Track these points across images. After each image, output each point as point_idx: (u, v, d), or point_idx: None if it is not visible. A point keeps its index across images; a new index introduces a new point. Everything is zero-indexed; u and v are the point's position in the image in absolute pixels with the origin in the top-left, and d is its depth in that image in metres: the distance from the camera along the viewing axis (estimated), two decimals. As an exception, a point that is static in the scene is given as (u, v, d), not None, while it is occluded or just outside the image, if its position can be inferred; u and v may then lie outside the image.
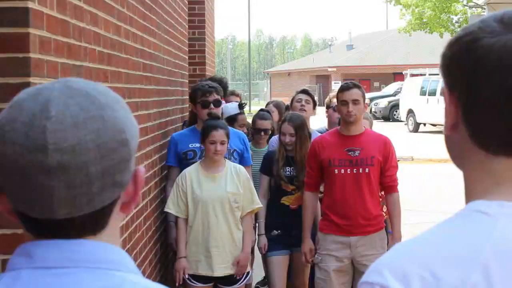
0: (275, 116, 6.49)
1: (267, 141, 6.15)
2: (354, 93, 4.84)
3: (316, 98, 6.54)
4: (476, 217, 1.09)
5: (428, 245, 1.08)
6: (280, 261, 5.36)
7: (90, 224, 1.12)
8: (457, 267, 1.03)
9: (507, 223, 1.06)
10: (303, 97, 6.19)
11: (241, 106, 6.20)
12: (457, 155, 1.17)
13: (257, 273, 6.60)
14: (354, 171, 4.80)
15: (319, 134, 5.51)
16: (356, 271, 4.84)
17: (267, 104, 6.97)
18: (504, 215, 1.07)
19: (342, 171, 4.81)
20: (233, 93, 7.21)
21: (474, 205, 1.11)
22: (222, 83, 6.03)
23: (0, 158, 1.07)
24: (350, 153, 4.83)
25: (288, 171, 5.34)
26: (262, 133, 6.07)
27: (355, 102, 4.81)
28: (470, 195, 1.14)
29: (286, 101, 6.96)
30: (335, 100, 6.06)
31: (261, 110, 6.41)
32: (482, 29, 1.10)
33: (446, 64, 1.15)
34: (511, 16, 1.10)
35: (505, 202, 1.08)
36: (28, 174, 1.06)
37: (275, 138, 5.89)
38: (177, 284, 4.92)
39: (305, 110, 6.01)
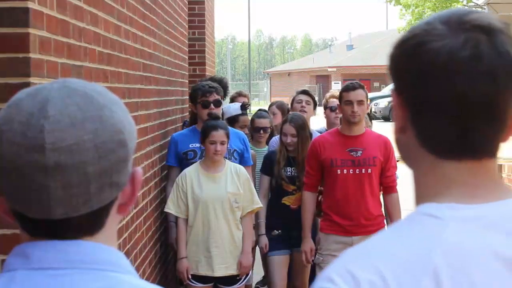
0: (278, 117, 6.46)
1: (267, 141, 6.15)
2: (359, 93, 4.84)
3: (316, 98, 6.54)
4: (426, 221, 1.07)
5: (378, 250, 1.06)
6: (280, 261, 5.36)
7: (87, 224, 1.12)
8: (407, 272, 1.01)
9: (457, 226, 1.05)
10: (304, 97, 6.19)
11: (244, 107, 6.18)
12: (407, 157, 1.16)
13: (256, 273, 6.60)
14: (357, 172, 4.80)
15: (319, 134, 5.50)
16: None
17: (270, 105, 6.94)
18: (454, 218, 1.06)
19: (345, 171, 4.81)
20: (240, 94, 7.16)
21: (424, 208, 1.09)
22: (222, 83, 6.02)
23: None
24: (352, 153, 4.83)
25: (289, 171, 5.34)
26: (261, 131, 6.06)
27: (360, 102, 4.81)
28: (420, 198, 1.13)
29: (287, 101, 6.95)
30: (331, 100, 6.06)
31: (259, 109, 6.41)
32: (429, 31, 1.08)
33: (393, 67, 1.13)
34: (458, 18, 1.08)
35: (456, 205, 1.07)
36: (25, 174, 1.05)
37: (275, 138, 5.89)
38: (184, 283, 4.92)
39: (305, 111, 6.01)
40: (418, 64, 1.07)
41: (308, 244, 5.05)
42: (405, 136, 1.13)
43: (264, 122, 6.06)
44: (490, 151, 1.10)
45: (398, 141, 1.17)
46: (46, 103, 1.07)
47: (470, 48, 1.04)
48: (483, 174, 1.10)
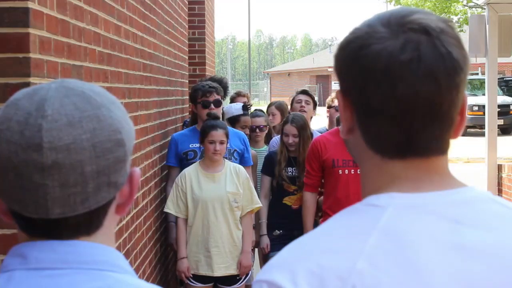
0: (278, 118, 6.45)
1: (266, 141, 6.14)
2: None
3: (316, 98, 6.53)
4: (366, 209, 1.09)
5: (316, 239, 1.08)
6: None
7: (85, 224, 1.12)
8: (343, 256, 1.02)
9: (395, 212, 1.06)
10: (303, 97, 6.19)
11: (245, 107, 6.18)
12: (356, 157, 1.18)
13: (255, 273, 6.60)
14: (358, 172, 4.78)
15: (320, 134, 5.50)
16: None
17: (269, 106, 6.92)
18: (392, 205, 1.07)
19: (346, 171, 4.80)
20: (240, 94, 7.11)
21: (367, 200, 1.11)
22: (222, 83, 6.02)
23: None
24: (354, 153, 4.82)
25: (290, 171, 5.34)
26: (258, 130, 6.05)
27: None
28: (365, 194, 1.14)
29: (287, 101, 6.94)
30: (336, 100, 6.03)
31: (255, 110, 6.41)
32: (370, 34, 1.08)
33: (337, 68, 1.14)
34: (398, 19, 1.08)
35: (395, 193, 1.08)
36: (22, 173, 1.05)
37: (276, 139, 5.88)
38: (186, 282, 4.92)
39: (305, 111, 6.00)
40: (360, 68, 1.08)
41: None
42: (353, 136, 1.14)
43: (259, 121, 6.05)
44: (437, 149, 1.11)
45: (347, 142, 1.18)
46: (43, 103, 1.08)
47: (410, 51, 1.04)
48: (430, 170, 1.10)
